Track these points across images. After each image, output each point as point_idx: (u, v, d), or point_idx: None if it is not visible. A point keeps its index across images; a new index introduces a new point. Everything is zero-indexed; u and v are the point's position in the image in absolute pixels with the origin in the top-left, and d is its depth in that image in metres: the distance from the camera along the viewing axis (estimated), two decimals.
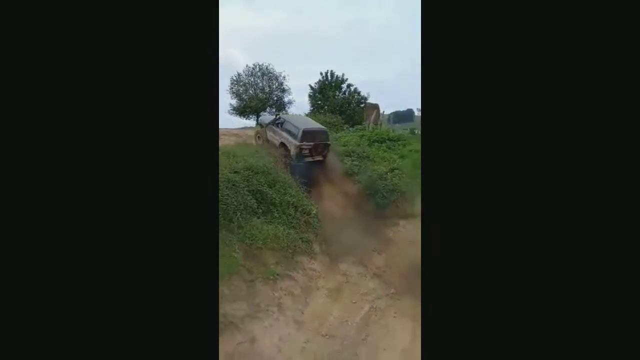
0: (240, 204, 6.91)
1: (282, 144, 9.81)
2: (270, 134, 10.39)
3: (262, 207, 7.35)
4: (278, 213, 7.38)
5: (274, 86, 21.04)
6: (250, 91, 20.69)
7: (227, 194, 6.86)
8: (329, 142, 10.20)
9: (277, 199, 7.54)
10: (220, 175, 7.08)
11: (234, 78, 20.89)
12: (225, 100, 20.90)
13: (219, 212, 6.39)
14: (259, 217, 7.11)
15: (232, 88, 20.80)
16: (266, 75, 20.92)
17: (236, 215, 6.71)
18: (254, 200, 7.27)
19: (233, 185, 7.07)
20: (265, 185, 7.60)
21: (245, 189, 7.24)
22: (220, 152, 8.28)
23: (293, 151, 9.43)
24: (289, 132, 9.75)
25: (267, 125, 10.68)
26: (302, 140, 9.46)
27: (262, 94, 20.48)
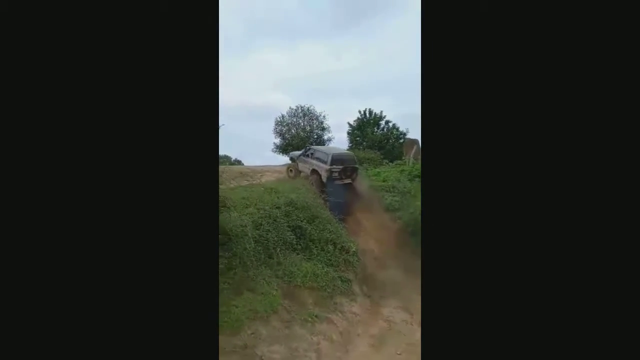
0: (280, 240, 6.83)
1: (314, 171, 10.51)
2: (301, 165, 11.15)
3: (301, 243, 7.22)
4: (317, 250, 7.21)
5: (314, 125, 21.91)
6: (293, 131, 21.67)
7: (268, 230, 6.82)
8: (356, 166, 10.86)
9: (315, 235, 7.40)
10: (262, 211, 7.15)
11: (278, 119, 22.08)
12: (270, 139, 22.23)
13: (260, 248, 6.41)
14: (297, 254, 6.98)
15: (276, 128, 21.95)
16: (307, 116, 21.89)
17: (276, 250, 6.64)
18: (294, 236, 7.16)
19: (274, 220, 7.06)
20: (305, 220, 7.52)
21: (285, 224, 7.19)
22: (263, 188, 8.40)
23: (324, 174, 10.03)
24: (319, 159, 10.56)
25: (297, 157, 11.43)
26: (331, 164, 10.14)
27: (303, 133, 21.36)
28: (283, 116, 22.18)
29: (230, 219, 6.41)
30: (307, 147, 11.65)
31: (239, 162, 20.82)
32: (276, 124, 22.09)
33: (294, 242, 7.11)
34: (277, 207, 7.44)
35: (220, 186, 6.50)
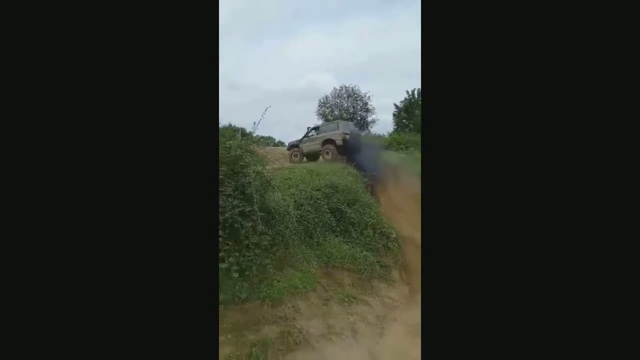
0: (320, 221, 6.92)
1: (327, 140, 11.63)
2: (307, 145, 12.25)
3: (341, 226, 7.26)
4: (356, 233, 7.23)
5: (358, 106, 21.38)
6: (336, 112, 21.33)
7: (309, 210, 6.92)
8: (359, 132, 13.68)
9: (355, 218, 7.41)
10: (303, 192, 7.26)
11: (322, 100, 21.78)
12: (314, 121, 22.07)
13: (301, 228, 6.56)
14: (337, 236, 7.03)
15: (319, 110, 21.75)
16: (351, 97, 21.42)
17: (316, 231, 6.75)
18: (333, 218, 7.21)
19: (315, 202, 7.14)
20: (345, 204, 7.53)
21: (326, 206, 7.24)
22: (305, 170, 8.51)
23: (339, 139, 11.35)
24: (328, 131, 11.92)
25: (301, 140, 12.53)
26: (343, 130, 11.58)
27: (346, 114, 20.95)
28: (327, 97, 21.80)
29: (274, 198, 6.57)
30: (310, 128, 12.68)
31: (282, 144, 21.14)
32: (319, 106, 21.82)
33: (334, 224, 7.16)
34: (317, 189, 7.48)
35: (265, 167, 6.66)
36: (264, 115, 5.98)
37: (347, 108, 21.43)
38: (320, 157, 12.06)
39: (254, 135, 6.47)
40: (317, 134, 12.26)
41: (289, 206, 6.60)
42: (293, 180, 7.64)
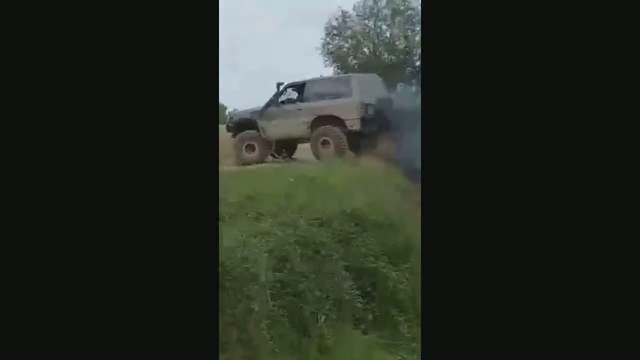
0: (327, 296, 3.39)
1: (325, 118, 5.69)
2: (276, 124, 6.17)
3: (374, 307, 3.63)
4: (410, 328, 3.34)
5: (405, 39, 12.86)
6: (364, 49, 12.92)
7: (302, 271, 3.28)
8: (390, 98, 6.32)
9: (408, 290, 3.52)
10: (292, 232, 3.61)
11: (332, 24, 12.84)
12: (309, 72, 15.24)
13: (283, 310, 3.14)
14: (364, 330, 3.52)
15: (327, 44, 13.07)
16: (395, 16, 12.66)
17: (315, 318, 3.24)
18: (358, 291, 3.57)
19: (316, 251, 3.56)
20: (385, 256, 3.79)
21: (341, 262, 3.58)
22: (295, 177, 4.58)
23: (354, 115, 5.47)
24: (325, 95, 5.78)
25: (261, 112, 6.34)
26: (361, 97, 5.56)
27: (383, 57, 12.25)
28: (343, 15, 12.01)
29: (221, 240, 2.84)
30: (284, 87, 6.67)
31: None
32: (327, 34, 12.52)
33: (358, 303, 3.50)
34: (321, 223, 3.66)
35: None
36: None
37: (384, 44, 11.85)
38: (311, 151, 6.34)
39: None
40: (301, 102, 6.39)
41: (257, 262, 2.97)
42: (267, 202, 3.71)
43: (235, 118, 6.70)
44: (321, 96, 6.30)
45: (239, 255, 2.98)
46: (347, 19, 12.80)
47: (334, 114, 6.09)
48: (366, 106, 6.08)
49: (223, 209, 2.85)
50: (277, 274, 3.22)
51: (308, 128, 6.26)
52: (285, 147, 6.49)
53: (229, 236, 3.13)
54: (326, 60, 13.02)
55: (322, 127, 6.14)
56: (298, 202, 3.76)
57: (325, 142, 6.20)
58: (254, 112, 6.53)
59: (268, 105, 6.57)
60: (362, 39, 12.32)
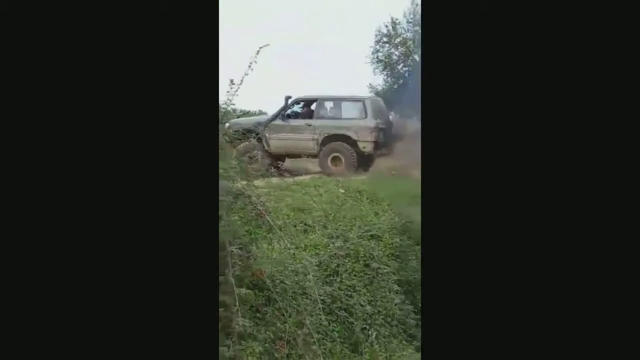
0: (383, 307, 3.33)
1: (336, 137, 5.85)
2: (281, 137, 6.19)
3: None
4: None
5: None
6: (416, 57, 12.41)
7: (352, 285, 3.11)
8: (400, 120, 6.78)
9: None
10: (342, 242, 3.51)
11: (382, 31, 12.69)
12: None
13: (335, 325, 3.13)
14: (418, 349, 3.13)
15: (378, 51, 12.63)
16: None
17: (368, 334, 3.19)
18: (411, 306, 3.22)
19: (367, 264, 3.30)
20: None
21: (393, 277, 3.32)
22: (341, 189, 4.50)
23: (367, 137, 5.82)
24: (337, 116, 6.10)
25: (266, 124, 6.28)
26: (376, 118, 5.91)
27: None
28: (393, 22, 11.54)
29: (266, 251, 2.89)
30: (291, 102, 6.63)
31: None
32: (377, 41, 11.96)
33: (411, 319, 3.46)
34: (372, 235, 3.58)
35: (252, 184, 2.83)
36: (253, 63, 2.34)
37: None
38: (317, 165, 6.36)
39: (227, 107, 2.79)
40: (309, 119, 6.41)
41: (307, 275, 2.96)
42: (316, 214, 3.68)
43: (236, 127, 6.68)
44: (333, 115, 6.42)
45: (289, 268, 3.00)
46: (397, 26, 12.60)
47: (347, 134, 6.21)
48: (379, 130, 6.21)
49: (273, 221, 2.87)
50: (326, 287, 3.19)
51: (317, 144, 6.34)
52: (281, 160, 6.47)
53: (278, 248, 3.17)
54: (375, 68, 12.91)
55: (334, 143, 6.24)
56: (348, 214, 3.71)
57: (335, 159, 6.30)
58: (258, 123, 6.54)
59: (274, 117, 6.65)
60: (412, 46, 11.98)
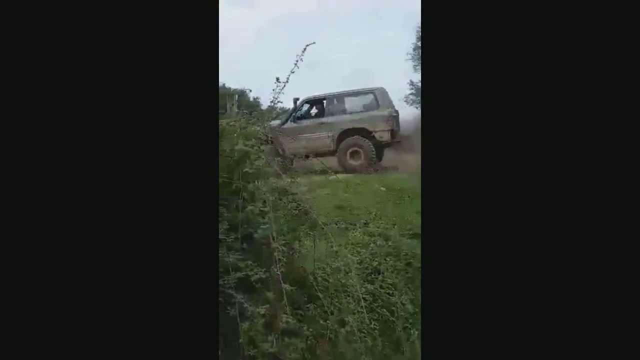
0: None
1: (351, 132, 5.76)
2: (290, 140, 5.97)
3: None
4: None
5: None
6: None
7: (393, 284, 2.97)
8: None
9: None
10: (383, 241, 3.47)
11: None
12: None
13: (375, 324, 3.01)
14: None
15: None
16: None
17: (410, 334, 3.01)
18: None
19: (407, 263, 3.13)
20: None
21: None
22: (381, 187, 4.43)
23: (385, 132, 5.81)
24: (353, 108, 5.98)
25: (280, 126, 6.21)
26: (390, 109, 5.84)
27: None
28: None
29: (309, 249, 2.90)
30: (302, 102, 6.56)
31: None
32: (418, 36, 12.81)
33: None
34: (411, 233, 3.58)
35: (295, 182, 2.82)
36: (300, 60, 2.35)
37: None
38: (335, 161, 6.15)
39: (270, 105, 2.79)
40: (322, 117, 6.33)
41: (349, 273, 2.90)
42: (357, 212, 3.64)
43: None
44: (344, 110, 6.42)
45: (332, 266, 3.00)
46: None
47: (363, 126, 6.20)
48: (394, 118, 6.25)
49: (319, 218, 2.87)
50: (368, 285, 3.15)
51: (332, 141, 6.37)
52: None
53: (320, 246, 3.17)
54: (415, 65, 12.68)
55: (351, 138, 6.20)
56: (389, 212, 3.65)
57: (354, 154, 6.26)
58: (270, 128, 6.49)
59: (285, 120, 6.60)
60: None
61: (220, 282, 2.14)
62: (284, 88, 2.40)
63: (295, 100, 6.79)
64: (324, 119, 6.65)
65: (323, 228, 2.89)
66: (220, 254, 2.24)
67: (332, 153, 6.51)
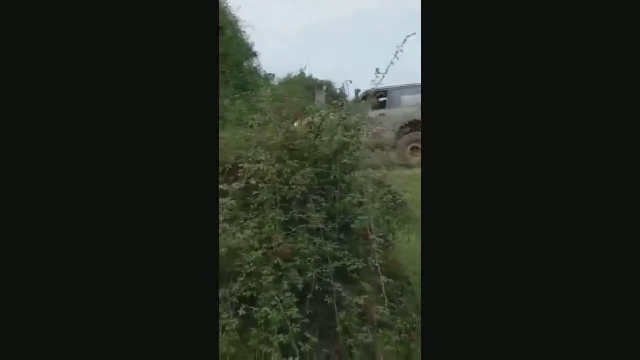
0: None
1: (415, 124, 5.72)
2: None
3: None
4: None
5: None
6: None
7: None
8: None
9: None
10: None
11: None
12: None
13: None
14: None
15: None
16: None
17: None
18: None
19: None
20: None
21: None
22: None
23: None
24: (410, 101, 5.87)
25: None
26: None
27: None
28: None
29: (402, 242, 2.84)
30: (361, 95, 5.57)
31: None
32: None
33: None
34: None
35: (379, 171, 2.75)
36: (400, 51, 2.27)
37: None
38: (394, 155, 5.76)
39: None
40: (382, 108, 5.93)
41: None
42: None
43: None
44: (404, 103, 6.12)
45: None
46: None
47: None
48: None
49: (413, 211, 2.81)
50: None
51: (395, 134, 6.12)
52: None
53: (413, 239, 3.10)
54: None
55: (412, 132, 5.91)
56: None
57: (414, 149, 5.99)
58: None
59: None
60: None
61: (318, 270, 2.20)
62: (383, 79, 2.36)
63: (357, 91, 6.66)
64: (384, 110, 6.36)
65: (417, 222, 2.80)
66: (318, 243, 2.31)
67: (391, 147, 6.15)
